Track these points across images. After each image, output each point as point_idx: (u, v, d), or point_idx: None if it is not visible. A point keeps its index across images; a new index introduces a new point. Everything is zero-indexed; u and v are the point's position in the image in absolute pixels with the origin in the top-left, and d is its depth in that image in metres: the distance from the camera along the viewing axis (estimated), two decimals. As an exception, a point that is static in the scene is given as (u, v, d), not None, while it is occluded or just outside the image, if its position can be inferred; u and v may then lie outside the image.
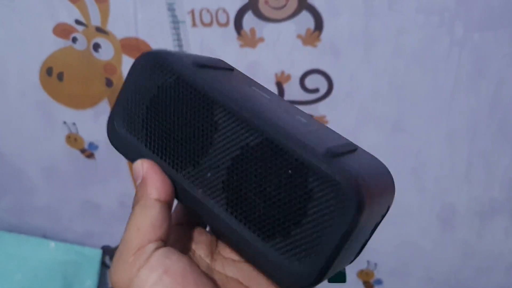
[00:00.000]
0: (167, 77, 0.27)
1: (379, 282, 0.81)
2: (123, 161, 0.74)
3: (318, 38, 0.57)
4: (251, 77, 0.32)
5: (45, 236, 0.86)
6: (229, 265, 0.29)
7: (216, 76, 0.28)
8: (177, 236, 0.29)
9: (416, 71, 0.58)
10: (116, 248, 0.97)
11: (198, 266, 0.25)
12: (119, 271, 0.24)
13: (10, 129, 0.74)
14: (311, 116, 0.30)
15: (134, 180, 0.26)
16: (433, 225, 0.72)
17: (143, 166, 0.26)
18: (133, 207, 0.26)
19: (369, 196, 0.23)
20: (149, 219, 0.25)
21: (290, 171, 0.24)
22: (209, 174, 0.26)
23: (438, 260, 0.76)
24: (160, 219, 0.25)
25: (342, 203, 0.22)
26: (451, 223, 0.71)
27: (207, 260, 0.29)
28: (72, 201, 0.81)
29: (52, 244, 0.84)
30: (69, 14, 0.60)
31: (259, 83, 0.32)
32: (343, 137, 0.29)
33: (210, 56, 0.33)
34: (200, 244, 0.29)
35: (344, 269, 0.28)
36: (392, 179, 0.28)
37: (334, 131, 0.29)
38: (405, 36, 0.56)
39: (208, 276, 0.25)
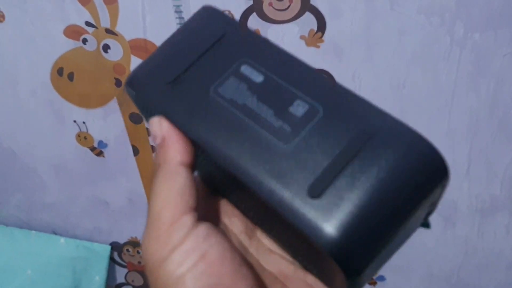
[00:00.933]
0: (145, 105, 0.25)
1: (382, 278, 0.81)
2: (131, 159, 0.75)
3: (321, 39, 0.58)
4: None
5: (54, 232, 0.87)
6: (265, 253, 0.25)
7: (191, 102, 0.23)
8: (206, 207, 0.24)
9: (417, 71, 0.58)
10: (124, 245, 0.97)
11: (238, 252, 0.21)
12: (150, 250, 0.20)
13: (21, 128, 0.75)
14: (321, 79, 0.24)
15: (156, 144, 0.23)
16: (435, 222, 0.72)
17: (162, 124, 0.22)
18: (154, 174, 0.22)
19: (367, 239, 0.19)
20: (176, 188, 0.21)
21: (283, 218, 0.20)
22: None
23: (440, 257, 0.76)
24: (188, 186, 0.21)
25: (333, 256, 0.19)
26: (452, 221, 0.71)
27: (241, 238, 0.25)
28: (82, 198, 0.82)
29: (61, 240, 0.84)
30: (79, 16, 0.61)
31: (257, 42, 0.26)
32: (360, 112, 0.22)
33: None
34: (234, 218, 0.25)
35: (428, 219, 0.24)
36: (437, 157, 0.22)
37: (347, 101, 0.23)
38: (406, 36, 0.56)
39: (246, 263, 0.21)
